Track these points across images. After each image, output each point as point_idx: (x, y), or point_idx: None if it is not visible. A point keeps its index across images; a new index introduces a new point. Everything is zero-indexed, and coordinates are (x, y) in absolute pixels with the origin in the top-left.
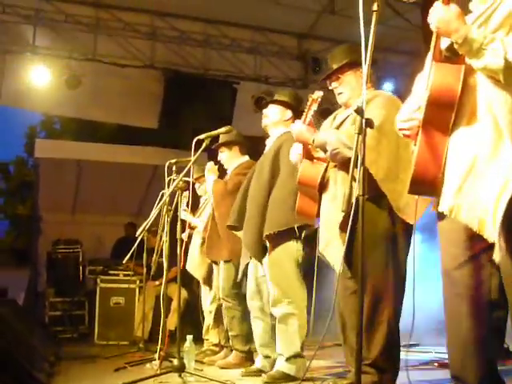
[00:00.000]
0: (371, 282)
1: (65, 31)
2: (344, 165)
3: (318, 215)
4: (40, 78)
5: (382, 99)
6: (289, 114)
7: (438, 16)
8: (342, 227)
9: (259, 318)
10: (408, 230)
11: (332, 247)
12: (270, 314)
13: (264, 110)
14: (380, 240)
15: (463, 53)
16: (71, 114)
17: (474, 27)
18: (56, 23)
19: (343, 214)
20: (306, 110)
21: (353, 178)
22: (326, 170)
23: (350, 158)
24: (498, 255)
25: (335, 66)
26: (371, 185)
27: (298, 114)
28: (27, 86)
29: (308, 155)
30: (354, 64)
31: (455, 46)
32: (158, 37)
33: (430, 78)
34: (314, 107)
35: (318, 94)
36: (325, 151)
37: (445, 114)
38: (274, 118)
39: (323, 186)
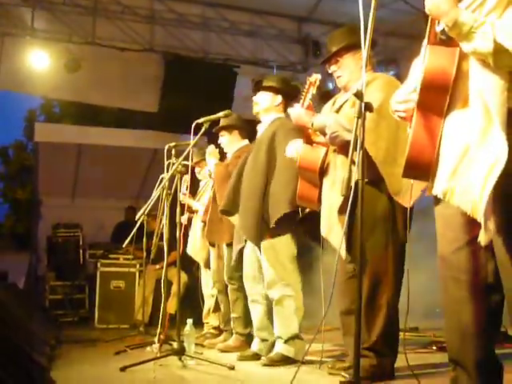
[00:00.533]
0: (370, 266)
1: (63, 14)
2: (343, 148)
3: (319, 200)
4: (39, 61)
5: (381, 81)
6: (279, 99)
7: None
8: (341, 210)
9: (257, 302)
10: (406, 213)
11: (335, 232)
12: (267, 297)
13: (254, 98)
14: (379, 224)
15: (454, 36)
16: (71, 98)
17: (467, 11)
18: (55, 6)
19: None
20: (304, 93)
21: (352, 162)
22: (326, 154)
23: (349, 141)
24: (483, 237)
25: (334, 49)
26: (370, 168)
27: (288, 97)
28: (26, 70)
29: (308, 139)
30: (353, 47)
31: (446, 29)
32: (157, 20)
33: (424, 60)
34: (313, 90)
35: (316, 77)
36: (324, 134)
37: (439, 96)
38: (265, 105)
39: (324, 170)
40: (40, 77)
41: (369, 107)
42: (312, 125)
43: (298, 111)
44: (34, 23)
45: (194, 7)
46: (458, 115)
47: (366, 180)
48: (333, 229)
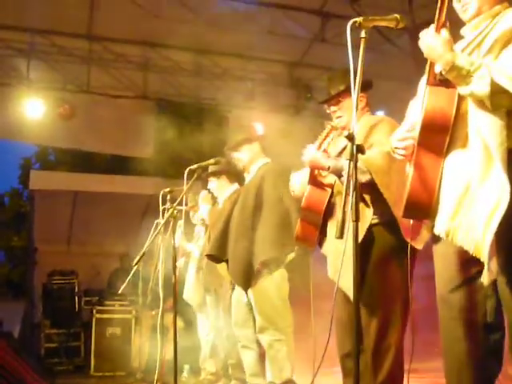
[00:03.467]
0: (381, 307)
1: (58, 63)
2: (360, 190)
3: (318, 242)
4: (34, 109)
5: (387, 125)
6: (256, 145)
7: (426, 42)
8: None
9: (247, 347)
10: (414, 254)
11: (342, 274)
12: (258, 342)
13: (234, 156)
14: (391, 264)
15: (451, 79)
16: (66, 145)
17: (463, 53)
18: (49, 56)
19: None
20: (322, 137)
21: (347, 205)
22: (331, 195)
23: (363, 183)
24: (486, 277)
25: (334, 91)
26: (385, 209)
27: (262, 139)
28: (21, 118)
29: (313, 181)
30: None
31: (443, 72)
32: (150, 67)
33: (424, 101)
34: (333, 135)
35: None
36: (340, 177)
37: (439, 137)
38: (247, 158)
39: (329, 212)
40: (35, 125)
41: (361, 149)
42: (329, 168)
43: (314, 154)
44: (29, 73)
45: (186, 54)
46: (458, 154)
47: (381, 221)
48: (339, 271)
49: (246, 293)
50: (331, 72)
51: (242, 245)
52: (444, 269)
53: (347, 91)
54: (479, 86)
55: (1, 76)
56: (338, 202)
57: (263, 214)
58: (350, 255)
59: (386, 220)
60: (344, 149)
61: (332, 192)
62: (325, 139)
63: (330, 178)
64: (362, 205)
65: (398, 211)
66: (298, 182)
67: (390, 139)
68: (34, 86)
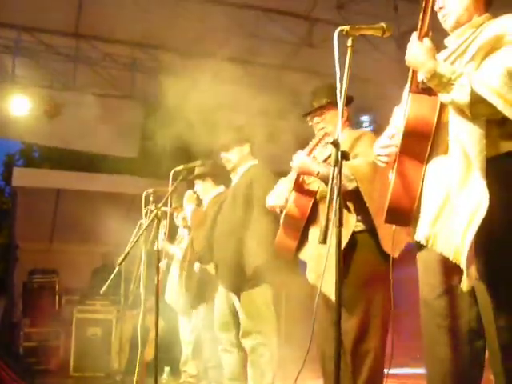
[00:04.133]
0: (360, 310)
1: (44, 61)
2: (344, 197)
3: (297, 249)
4: (19, 107)
5: (370, 138)
6: (246, 147)
7: (409, 51)
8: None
9: (228, 351)
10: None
11: (325, 279)
12: (239, 346)
13: (222, 156)
14: (373, 271)
15: (432, 86)
16: (51, 143)
17: (445, 62)
18: (36, 53)
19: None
20: (313, 143)
21: (330, 210)
22: (314, 202)
23: (350, 191)
24: (465, 283)
25: (317, 104)
26: (368, 217)
27: (252, 140)
28: (6, 115)
29: (299, 187)
30: (336, 103)
31: (424, 80)
32: (137, 67)
33: (406, 109)
34: (323, 144)
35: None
36: (327, 184)
37: (421, 144)
38: (236, 159)
39: (312, 218)
40: (20, 122)
41: (345, 156)
42: (317, 174)
43: (303, 159)
44: (15, 70)
45: (173, 55)
46: (439, 161)
47: (364, 228)
48: (322, 276)
49: (239, 297)
50: (314, 87)
51: (231, 247)
52: (427, 276)
53: (330, 104)
54: (460, 94)
55: None
56: (322, 208)
57: (254, 216)
58: (332, 260)
59: (369, 228)
60: (328, 157)
61: (315, 199)
62: (316, 145)
63: (314, 185)
64: (345, 212)
65: (378, 219)
66: (280, 191)
67: (373, 149)
68: (20, 83)
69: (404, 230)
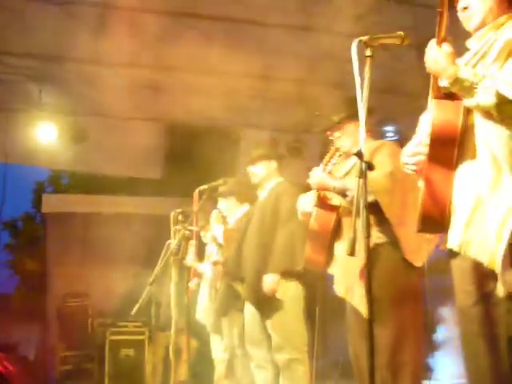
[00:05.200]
0: (393, 321)
1: (70, 88)
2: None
3: (326, 263)
4: (47, 134)
5: (389, 148)
6: (274, 164)
7: (429, 56)
8: (361, 274)
9: (262, 367)
10: (420, 272)
11: (354, 291)
12: (272, 362)
13: (249, 170)
14: (401, 280)
15: (455, 91)
16: (78, 169)
17: (467, 66)
18: (61, 80)
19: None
20: (326, 159)
21: (357, 222)
22: (337, 216)
23: (369, 203)
24: (501, 289)
25: (336, 119)
26: (388, 228)
27: (280, 158)
28: (34, 143)
29: (320, 203)
30: (355, 116)
31: (447, 85)
32: (160, 90)
33: (431, 115)
34: (337, 157)
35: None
36: (345, 197)
37: (448, 149)
38: (263, 174)
39: (336, 232)
40: (48, 149)
41: (370, 166)
42: (334, 188)
43: (319, 175)
44: (42, 98)
45: (196, 75)
46: (468, 166)
47: (386, 240)
48: (351, 288)
49: (262, 314)
50: (335, 100)
51: (257, 265)
52: (462, 283)
53: (349, 117)
54: (485, 97)
55: (13, 101)
56: (345, 222)
57: (279, 233)
58: (356, 273)
59: (391, 239)
60: (350, 171)
61: (338, 213)
62: (329, 161)
63: (336, 200)
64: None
65: (400, 230)
66: (304, 205)
67: (392, 161)
68: (47, 110)
69: (426, 239)
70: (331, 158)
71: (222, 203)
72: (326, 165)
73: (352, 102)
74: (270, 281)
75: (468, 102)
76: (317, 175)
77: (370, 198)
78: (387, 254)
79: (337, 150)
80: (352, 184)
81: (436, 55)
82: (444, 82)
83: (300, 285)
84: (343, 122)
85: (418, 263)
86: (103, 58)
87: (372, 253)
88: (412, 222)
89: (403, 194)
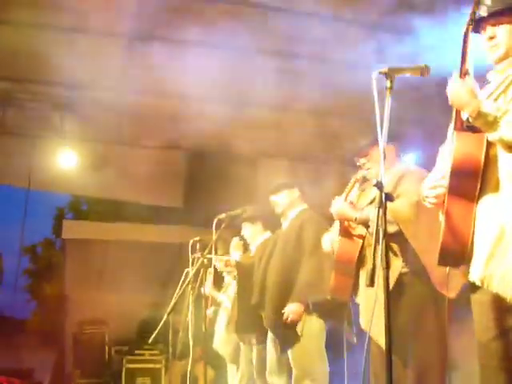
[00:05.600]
0: (416, 358)
1: (91, 115)
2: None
3: (353, 292)
4: (67, 160)
5: (416, 175)
6: (296, 192)
7: (452, 90)
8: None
9: None
10: (448, 306)
11: (375, 323)
12: None
13: (272, 199)
14: (424, 314)
15: (478, 126)
16: (98, 195)
17: (489, 100)
18: (83, 108)
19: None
20: (348, 189)
21: (376, 253)
22: (363, 246)
23: (391, 233)
24: None
25: (362, 143)
26: (414, 258)
27: (303, 185)
28: (55, 169)
29: (345, 232)
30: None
31: (470, 120)
32: (180, 118)
33: (452, 147)
34: (357, 186)
35: (362, 174)
36: (367, 227)
37: (469, 182)
38: (285, 203)
39: (361, 262)
40: (68, 175)
41: (389, 197)
42: (356, 219)
43: (341, 206)
44: (63, 124)
45: (215, 104)
46: (490, 199)
47: (409, 270)
48: (373, 320)
49: (283, 344)
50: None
51: (280, 295)
52: (482, 317)
53: (375, 143)
54: (508, 131)
55: (36, 128)
56: (369, 252)
57: (303, 264)
58: (381, 303)
59: (416, 269)
60: (374, 198)
61: (363, 242)
62: (350, 191)
63: (361, 229)
64: (390, 254)
65: (428, 260)
66: (328, 245)
67: (418, 188)
68: (68, 138)
69: (460, 269)
70: (352, 187)
71: (247, 228)
72: (348, 195)
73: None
74: (293, 310)
75: (491, 136)
76: (338, 206)
77: (394, 229)
78: (412, 284)
79: (357, 180)
80: (372, 214)
81: (459, 89)
82: (466, 115)
83: (321, 318)
84: (370, 147)
85: (451, 294)
86: (125, 86)
87: (397, 282)
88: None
89: (430, 222)
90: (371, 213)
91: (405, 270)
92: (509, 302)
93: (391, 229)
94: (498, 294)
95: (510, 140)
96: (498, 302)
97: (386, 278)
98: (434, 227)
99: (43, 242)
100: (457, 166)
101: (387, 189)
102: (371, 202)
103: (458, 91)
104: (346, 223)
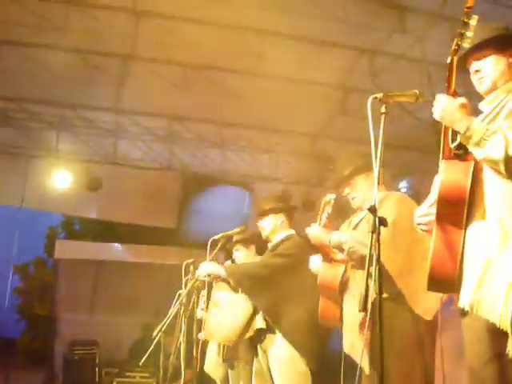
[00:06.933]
0: (395, 375)
1: (86, 136)
2: (362, 263)
3: (341, 318)
4: (62, 180)
5: (394, 199)
6: (281, 217)
7: (442, 106)
8: (362, 327)
9: None
10: (432, 328)
11: (357, 348)
12: None
13: (258, 224)
14: (402, 339)
15: (466, 143)
16: (92, 215)
17: (479, 120)
18: (78, 128)
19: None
20: (320, 213)
21: (369, 276)
22: (345, 270)
23: (366, 256)
24: (511, 348)
25: (345, 173)
26: (389, 281)
27: (290, 210)
28: (49, 189)
29: (326, 257)
30: (363, 169)
31: (458, 136)
32: (175, 139)
33: (440, 175)
34: (328, 209)
35: (331, 197)
36: (341, 251)
37: (456, 209)
38: (270, 228)
39: (344, 286)
40: (62, 195)
41: (383, 222)
42: (330, 242)
43: (315, 230)
44: (59, 144)
45: (211, 127)
46: (477, 226)
47: (386, 295)
48: (355, 344)
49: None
50: (342, 156)
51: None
52: (473, 343)
53: (358, 170)
54: (494, 150)
55: (31, 148)
56: (351, 275)
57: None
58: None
59: (392, 292)
60: (358, 224)
61: (346, 267)
62: (322, 214)
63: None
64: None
65: (403, 283)
66: (316, 266)
67: (397, 209)
68: (63, 158)
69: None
70: (323, 211)
71: (240, 252)
72: (320, 219)
73: (360, 156)
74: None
75: (477, 153)
76: (312, 231)
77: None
78: (388, 308)
79: (327, 203)
80: (346, 236)
81: (451, 106)
82: (454, 142)
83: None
84: (352, 176)
85: (428, 316)
86: (121, 108)
87: (372, 306)
88: (420, 272)
89: (409, 243)
90: (343, 235)
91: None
92: (499, 327)
93: (365, 251)
94: (488, 319)
95: (494, 159)
96: (489, 327)
97: (380, 304)
98: (414, 249)
99: (35, 261)
100: (444, 193)
101: (367, 217)
102: (355, 227)
103: (449, 108)
104: (326, 248)
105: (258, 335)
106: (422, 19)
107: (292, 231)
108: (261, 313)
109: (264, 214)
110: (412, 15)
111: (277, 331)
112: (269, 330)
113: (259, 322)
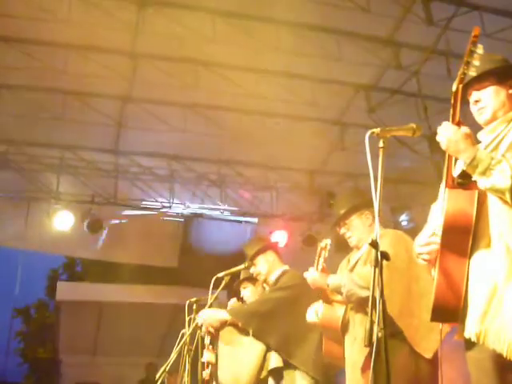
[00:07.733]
0: None
1: (86, 177)
2: (360, 305)
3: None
4: (63, 222)
5: (389, 238)
6: (271, 255)
7: (447, 136)
8: (364, 367)
9: None
10: (433, 362)
11: None
12: None
13: (251, 271)
14: (402, 376)
15: (471, 172)
16: (93, 257)
17: (483, 150)
18: (78, 170)
19: (365, 354)
20: (317, 258)
21: (373, 312)
22: (346, 312)
23: (364, 298)
24: None
25: (341, 212)
26: (388, 321)
27: (275, 247)
28: (50, 230)
29: (326, 299)
30: (358, 208)
31: (463, 166)
32: (175, 179)
33: (444, 204)
34: (325, 254)
35: (326, 242)
36: (340, 294)
37: (461, 238)
38: (265, 269)
39: (345, 327)
40: (63, 237)
41: (385, 256)
42: (328, 286)
43: (313, 275)
44: (59, 186)
45: (210, 166)
46: (482, 255)
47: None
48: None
49: None
50: (337, 196)
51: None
52: (480, 376)
53: (353, 209)
54: (500, 179)
55: (32, 190)
56: (351, 317)
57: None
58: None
59: (392, 331)
60: (356, 262)
61: (346, 307)
62: (319, 259)
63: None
64: (365, 317)
65: (406, 320)
66: (312, 317)
67: (392, 249)
68: (64, 199)
69: (435, 328)
70: (319, 256)
71: (247, 290)
72: (317, 263)
73: (354, 195)
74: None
75: (483, 182)
76: (310, 275)
77: (365, 293)
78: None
79: (322, 248)
80: (344, 280)
81: (455, 135)
82: (457, 171)
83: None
84: (347, 216)
85: (428, 354)
86: (121, 149)
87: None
88: (418, 311)
89: (406, 283)
90: (341, 279)
91: (381, 334)
92: (507, 359)
93: (363, 293)
94: (494, 351)
95: (501, 188)
96: (496, 358)
97: (385, 340)
98: (412, 287)
99: (36, 304)
100: (449, 222)
101: (364, 257)
102: (353, 267)
103: (454, 137)
104: (327, 291)
105: (276, 374)
106: (417, 54)
107: (286, 266)
108: (273, 351)
109: (253, 257)
110: (406, 50)
111: (294, 365)
112: (285, 366)
113: (274, 362)
